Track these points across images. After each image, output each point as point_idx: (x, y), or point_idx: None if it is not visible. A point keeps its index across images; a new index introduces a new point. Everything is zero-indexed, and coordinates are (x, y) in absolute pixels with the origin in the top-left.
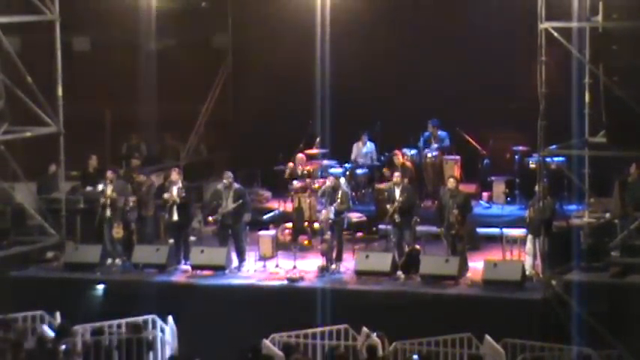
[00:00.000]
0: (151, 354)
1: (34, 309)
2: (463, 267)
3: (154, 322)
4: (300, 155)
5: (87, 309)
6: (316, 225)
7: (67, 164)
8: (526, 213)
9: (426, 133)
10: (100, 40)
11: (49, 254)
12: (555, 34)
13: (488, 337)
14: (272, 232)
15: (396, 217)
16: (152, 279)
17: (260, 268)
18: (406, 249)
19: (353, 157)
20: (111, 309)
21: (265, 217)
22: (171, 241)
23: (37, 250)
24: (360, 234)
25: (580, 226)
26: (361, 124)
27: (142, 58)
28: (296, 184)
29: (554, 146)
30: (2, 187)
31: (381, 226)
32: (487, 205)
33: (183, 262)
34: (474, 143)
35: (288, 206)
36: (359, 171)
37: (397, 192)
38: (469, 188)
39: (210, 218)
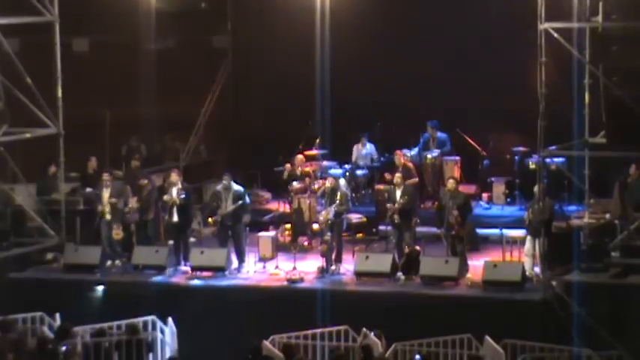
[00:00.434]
0: (150, 355)
1: (34, 310)
2: (463, 268)
3: (153, 324)
4: (299, 156)
5: (86, 310)
6: (316, 226)
7: (66, 165)
8: (526, 214)
9: (426, 135)
10: (100, 41)
11: (49, 255)
12: (555, 34)
13: (488, 338)
14: (272, 233)
15: (396, 218)
16: (152, 280)
17: (260, 269)
18: (406, 250)
19: (353, 158)
20: (111, 310)
21: (265, 218)
22: (171, 242)
23: (36, 251)
24: (359, 235)
25: (580, 226)
26: (361, 126)
27: (142, 59)
28: (296, 185)
29: (554, 147)
30: (2, 188)
31: (381, 227)
32: (487, 205)
33: (183, 263)
34: (473, 144)
35: (288, 207)
36: (359, 172)
37: (397, 193)
38: (469, 189)
39: (209, 219)
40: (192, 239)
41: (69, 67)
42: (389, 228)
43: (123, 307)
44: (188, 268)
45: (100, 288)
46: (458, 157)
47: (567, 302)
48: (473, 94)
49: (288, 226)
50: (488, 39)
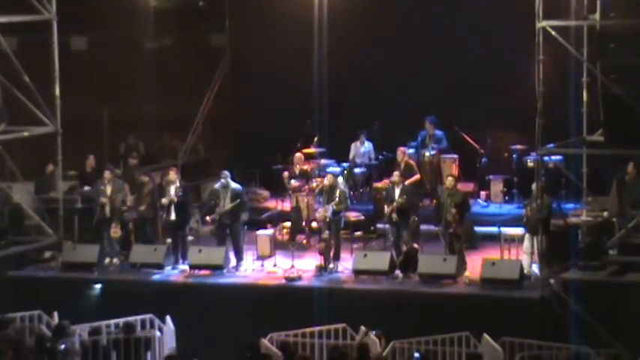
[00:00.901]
0: (148, 354)
1: (32, 309)
2: (461, 266)
3: (151, 322)
4: (298, 154)
5: (85, 309)
6: (314, 224)
7: (64, 164)
8: (524, 212)
9: (423, 132)
10: (98, 39)
11: (47, 254)
12: (553, 32)
13: (486, 336)
14: (270, 231)
15: (394, 217)
16: (150, 278)
17: (258, 267)
18: (404, 248)
19: (351, 156)
20: (108, 309)
21: (263, 216)
22: (169, 240)
23: (34, 249)
24: (358, 233)
25: (578, 224)
26: (359, 124)
27: (140, 57)
28: (294, 183)
29: (551, 145)
30: (0, 186)
31: (379, 226)
32: (485, 203)
33: (181, 261)
34: (471, 142)
35: (286, 205)
36: (357, 170)
37: (396, 191)
38: (467, 187)
39: (207, 218)
40: (190, 238)
41: (67, 65)
42: (387, 226)
43: (121, 306)
44: (186, 267)
45: (98, 286)
46: (456, 155)
47: (565, 300)
48: (471, 92)
49: (287, 224)
50: (486, 37)
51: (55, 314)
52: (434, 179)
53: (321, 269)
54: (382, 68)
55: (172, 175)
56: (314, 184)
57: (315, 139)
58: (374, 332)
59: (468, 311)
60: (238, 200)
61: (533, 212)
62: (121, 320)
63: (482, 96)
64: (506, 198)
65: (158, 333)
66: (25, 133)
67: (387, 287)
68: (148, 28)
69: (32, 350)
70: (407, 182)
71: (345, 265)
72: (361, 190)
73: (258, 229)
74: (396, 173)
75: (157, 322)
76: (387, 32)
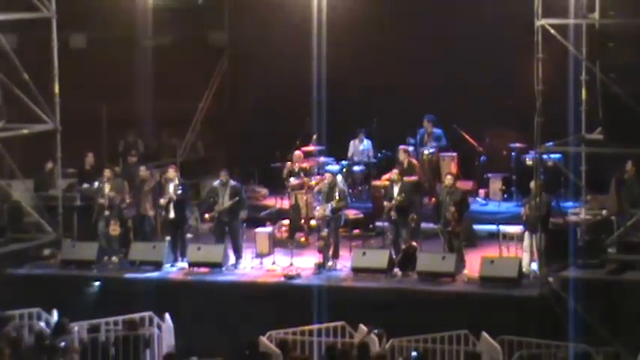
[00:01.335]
0: (147, 351)
1: (31, 306)
2: (460, 264)
3: (150, 319)
4: (297, 152)
5: (83, 306)
6: (313, 222)
7: (63, 161)
8: (522, 210)
9: (421, 130)
10: (97, 37)
11: (46, 251)
12: (552, 30)
13: (485, 334)
14: (269, 229)
15: (393, 215)
16: (149, 276)
17: (257, 265)
18: (403, 246)
19: (350, 154)
20: (107, 306)
21: (262, 214)
22: (168, 238)
23: (33, 247)
24: (356, 231)
25: (577, 223)
26: (358, 122)
27: (139, 55)
28: (293, 181)
29: (550, 143)
30: None
31: (378, 224)
32: (484, 202)
33: (180, 259)
34: (470, 140)
35: (285, 203)
36: (356, 168)
37: (395, 189)
38: (466, 185)
39: (206, 215)
40: (189, 235)
41: (66, 63)
42: (386, 224)
43: (120, 303)
44: (185, 264)
45: (97, 284)
46: (455, 153)
47: (564, 298)
48: (470, 90)
49: (286, 222)
50: (486, 35)
51: (54, 312)
52: (433, 177)
53: (320, 267)
54: (381, 66)
55: (171, 172)
56: (313, 182)
57: (314, 136)
58: (375, 331)
59: (466, 309)
60: (237, 198)
61: (532, 210)
62: (119, 318)
63: (481, 94)
64: (505, 196)
65: (157, 330)
66: (25, 131)
67: (385, 285)
68: (147, 26)
69: (31, 348)
70: (405, 179)
71: (344, 263)
72: (360, 188)
73: (257, 227)
74: (395, 171)
75: (155, 319)
76: (385, 29)
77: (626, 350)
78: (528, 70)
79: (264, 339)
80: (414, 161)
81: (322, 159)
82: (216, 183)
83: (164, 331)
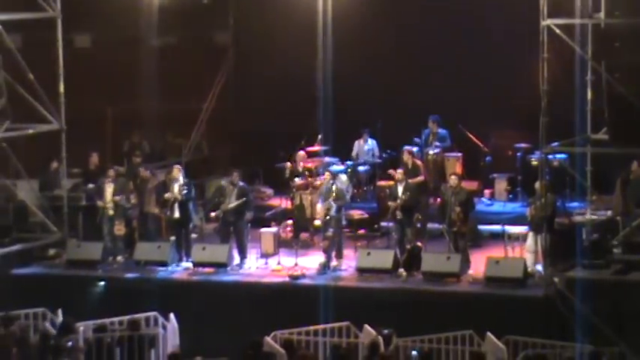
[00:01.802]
0: (152, 351)
1: (36, 306)
2: (465, 264)
3: (155, 319)
4: (301, 152)
5: (89, 306)
6: (317, 222)
7: (68, 161)
8: (528, 210)
9: (426, 130)
10: (102, 37)
11: (51, 251)
12: (557, 31)
13: (490, 335)
14: (274, 229)
15: (398, 215)
16: (154, 276)
17: (261, 265)
18: (408, 246)
19: (354, 154)
20: (112, 306)
21: (267, 214)
22: (173, 238)
23: (39, 247)
24: (362, 231)
25: (582, 223)
26: (363, 122)
27: (144, 55)
28: (297, 181)
29: (556, 143)
30: (4, 184)
31: (383, 224)
32: (489, 202)
33: (184, 259)
34: (475, 140)
35: (290, 204)
36: (360, 168)
37: (399, 189)
38: (471, 185)
39: (212, 214)
40: (194, 235)
41: (71, 63)
42: (391, 224)
43: (125, 303)
44: (190, 264)
45: (102, 284)
46: (460, 154)
47: (569, 298)
48: (475, 90)
49: (290, 222)
50: (491, 35)
51: (60, 312)
52: (438, 178)
53: (325, 267)
54: (386, 65)
55: (176, 172)
56: (317, 182)
57: (319, 137)
58: (385, 332)
59: (471, 309)
60: (244, 199)
61: (538, 211)
62: (125, 318)
63: (487, 94)
64: (511, 196)
65: (162, 330)
66: (30, 131)
67: (390, 285)
68: (151, 26)
69: (37, 347)
70: (410, 181)
71: (349, 263)
72: (365, 189)
73: (261, 227)
74: (400, 171)
75: (160, 319)
76: (390, 29)
77: (631, 350)
78: (534, 70)
79: (268, 339)
80: (418, 162)
81: (327, 159)
82: (223, 182)
83: (169, 331)
